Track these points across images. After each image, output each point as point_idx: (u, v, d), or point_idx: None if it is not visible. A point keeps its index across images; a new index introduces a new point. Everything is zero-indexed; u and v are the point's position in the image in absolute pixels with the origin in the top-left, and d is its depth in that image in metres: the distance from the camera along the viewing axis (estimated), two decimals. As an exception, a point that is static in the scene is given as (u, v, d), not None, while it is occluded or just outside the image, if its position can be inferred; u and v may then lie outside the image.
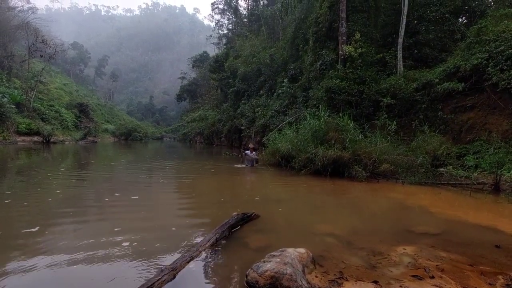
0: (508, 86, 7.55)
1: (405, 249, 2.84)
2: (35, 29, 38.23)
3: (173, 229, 3.52)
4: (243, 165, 10.56)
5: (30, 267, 2.44)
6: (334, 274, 2.30)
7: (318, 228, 3.62)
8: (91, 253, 2.74)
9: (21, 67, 38.96)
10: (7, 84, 31.79)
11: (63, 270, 2.43)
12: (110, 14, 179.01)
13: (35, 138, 27.22)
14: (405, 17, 12.00)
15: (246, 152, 10.57)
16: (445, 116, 9.10)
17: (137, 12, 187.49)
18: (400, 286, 2.12)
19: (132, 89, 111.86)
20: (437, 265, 2.48)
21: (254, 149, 10.79)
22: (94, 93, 77.70)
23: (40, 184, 6.66)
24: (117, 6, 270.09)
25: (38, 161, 12.76)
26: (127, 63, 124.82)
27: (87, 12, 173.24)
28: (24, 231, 3.36)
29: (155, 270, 2.38)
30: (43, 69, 38.23)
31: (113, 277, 2.31)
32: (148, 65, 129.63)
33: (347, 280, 2.21)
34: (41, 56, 35.50)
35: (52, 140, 27.86)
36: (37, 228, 3.44)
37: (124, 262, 2.59)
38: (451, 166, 7.28)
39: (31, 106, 31.83)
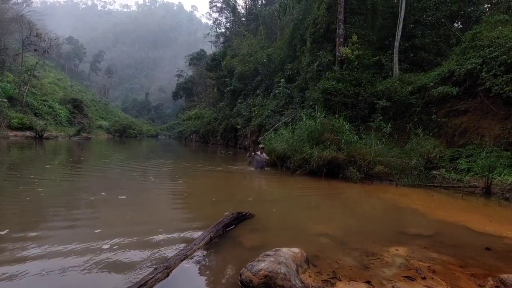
0: (501, 92, 7.67)
1: (397, 250, 2.87)
2: (30, 23, 37.58)
3: (160, 230, 3.32)
4: (251, 168, 9.61)
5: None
6: (328, 274, 2.32)
7: (312, 228, 3.64)
8: (64, 257, 2.53)
9: (14, 61, 38.32)
10: (-1, 78, 31.28)
11: (30, 279, 2.18)
12: (106, 9, 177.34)
13: (28, 133, 26.80)
14: (401, 20, 12.11)
15: (256, 152, 9.58)
16: (439, 119, 9.21)
17: (134, 8, 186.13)
18: (393, 287, 2.14)
19: (127, 85, 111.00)
20: (428, 266, 2.51)
21: (263, 149, 9.70)
22: (89, 88, 76.87)
23: (22, 181, 6.25)
24: (114, 1, 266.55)
25: (26, 156, 12.50)
26: (123, 59, 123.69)
27: (83, 6, 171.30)
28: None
29: (134, 275, 2.25)
30: (37, 63, 37.61)
31: (87, 285, 2.16)
32: (145, 62, 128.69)
33: (340, 280, 2.22)
34: (35, 50, 34.95)
35: (45, 135, 27.47)
36: (6, 231, 3.12)
37: (102, 266, 2.40)
38: (444, 169, 7.37)
39: (24, 100, 31.36)
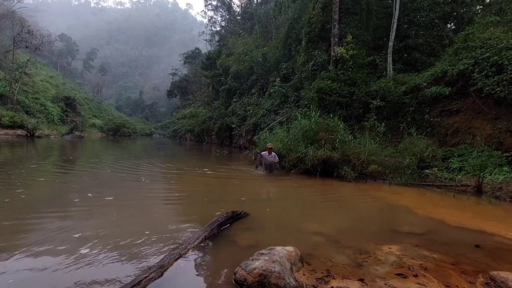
0: (492, 92, 7.79)
1: (390, 248, 2.91)
2: (21, 19, 37.03)
3: (147, 232, 3.20)
4: (259, 171, 8.67)
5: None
6: (322, 272, 2.34)
7: (307, 227, 3.66)
8: (38, 263, 2.41)
9: (5, 58, 37.60)
10: (-11, 75, 30.68)
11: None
12: (100, 6, 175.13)
13: (19, 132, 26.35)
14: (396, 21, 12.20)
15: (262, 153, 8.54)
16: (431, 119, 9.32)
17: (128, 5, 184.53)
18: (385, 284, 2.16)
19: (121, 83, 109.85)
20: (420, 264, 2.55)
21: (271, 149, 8.53)
22: (82, 86, 75.93)
23: (2, 181, 5.91)
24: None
25: (15, 155, 12.22)
26: (117, 57, 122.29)
27: (76, 3, 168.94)
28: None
29: (123, 276, 2.19)
30: (28, 60, 36.94)
31: None
32: (139, 60, 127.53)
33: (334, 278, 2.24)
34: (27, 47, 34.36)
35: (36, 134, 27.04)
36: None
37: (82, 270, 2.30)
38: (436, 168, 7.47)
39: (15, 98, 30.82)
